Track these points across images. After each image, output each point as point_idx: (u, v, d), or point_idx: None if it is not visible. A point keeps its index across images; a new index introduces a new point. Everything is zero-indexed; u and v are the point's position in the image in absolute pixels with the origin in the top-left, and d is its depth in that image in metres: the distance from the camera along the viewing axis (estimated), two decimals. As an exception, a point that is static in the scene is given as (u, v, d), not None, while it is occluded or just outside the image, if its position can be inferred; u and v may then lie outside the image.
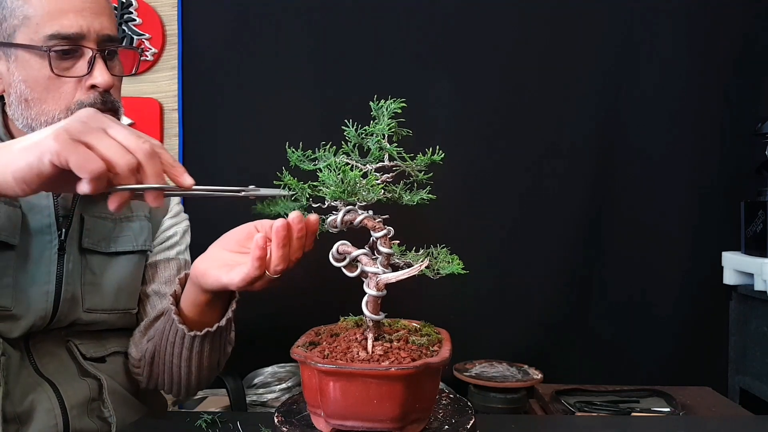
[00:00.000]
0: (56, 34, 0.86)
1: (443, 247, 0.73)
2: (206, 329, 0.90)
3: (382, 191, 0.71)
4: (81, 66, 0.89)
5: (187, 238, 1.16)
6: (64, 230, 0.95)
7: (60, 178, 0.63)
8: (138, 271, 1.06)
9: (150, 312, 1.08)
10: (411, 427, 0.66)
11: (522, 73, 1.96)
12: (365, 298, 0.70)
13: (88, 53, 0.89)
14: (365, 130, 0.73)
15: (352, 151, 0.74)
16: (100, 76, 0.89)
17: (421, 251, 0.73)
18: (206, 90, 1.96)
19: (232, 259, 0.83)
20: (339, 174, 0.68)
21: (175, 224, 1.14)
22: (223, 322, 0.91)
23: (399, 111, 0.71)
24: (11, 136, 0.94)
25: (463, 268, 0.69)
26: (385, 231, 0.71)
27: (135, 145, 0.64)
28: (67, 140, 0.61)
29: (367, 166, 0.72)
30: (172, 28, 1.96)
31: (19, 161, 0.62)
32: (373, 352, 0.67)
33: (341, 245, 0.72)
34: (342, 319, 0.80)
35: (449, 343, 0.72)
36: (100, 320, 1.00)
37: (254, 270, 0.75)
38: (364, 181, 0.69)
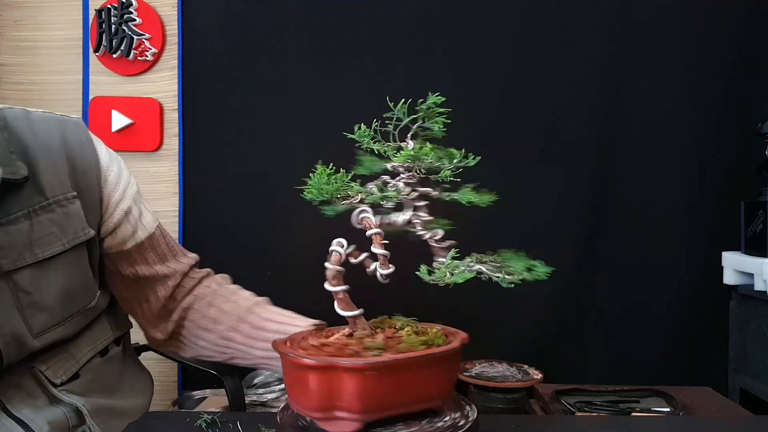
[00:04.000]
0: None
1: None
2: None
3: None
4: None
5: (139, 192, 0.98)
6: None
7: None
8: (81, 266, 0.88)
9: (152, 296, 0.99)
10: (337, 422, 0.67)
11: (520, 73, 1.96)
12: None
13: None
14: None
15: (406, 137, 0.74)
16: None
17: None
18: (206, 90, 1.96)
19: None
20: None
21: (123, 196, 0.94)
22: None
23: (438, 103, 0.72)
24: None
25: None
26: (376, 230, 0.71)
27: None
28: None
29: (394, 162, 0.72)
30: (172, 28, 1.96)
31: None
32: (374, 338, 0.71)
33: (338, 243, 0.73)
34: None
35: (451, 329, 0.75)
36: (57, 338, 0.85)
37: None
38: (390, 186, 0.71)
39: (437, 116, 0.73)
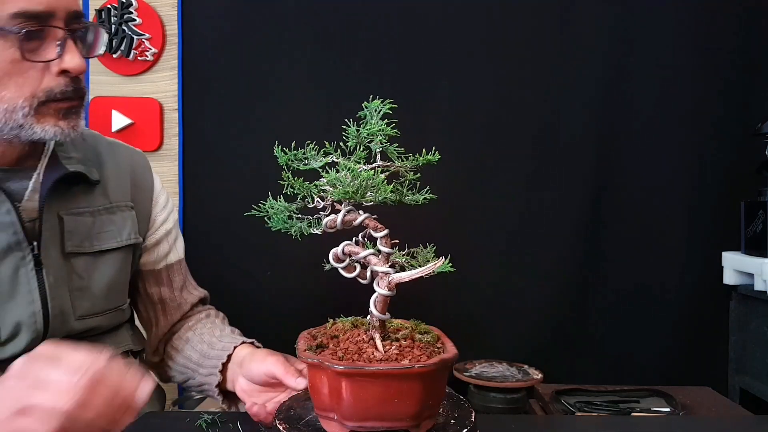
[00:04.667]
0: (22, 12, 0.76)
1: (433, 247, 0.73)
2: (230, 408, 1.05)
3: (390, 191, 0.70)
4: (50, 48, 0.79)
5: (178, 221, 1.17)
6: (35, 243, 0.88)
7: None
8: (126, 267, 1.02)
9: (162, 320, 1.10)
10: (424, 423, 0.67)
11: (520, 73, 1.96)
12: (374, 297, 0.70)
13: (58, 34, 0.79)
14: (362, 129, 0.73)
15: (351, 152, 0.73)
16: (73, 60, 0.80)
17: (428, 249, 0.73)
18: (206, 90, 1.96)
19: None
20: (350, 174, 0.68)
21: (167, 218, 1.11)
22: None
23: (389, 112, 0.71)
24: None
25: (451, 266, 0.69)
26: (386, 231, 0.71)
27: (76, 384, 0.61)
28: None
29: (361, 165, 0.72)
30: (172, 28, 1.96)
31: None
32: (387, 351, 0.67)
33: (347, 246, 0.72)
34: (330, 321, 0.79)
35: (448, 339, 0.73)
36: (93, 325, 0.96)
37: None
38: (371, 182, 0.69)
39: (379, 130, 0.71)
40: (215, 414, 0.96)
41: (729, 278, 1.85)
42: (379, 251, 0.71)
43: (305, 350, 0.70)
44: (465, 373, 1.77)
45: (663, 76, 1.95)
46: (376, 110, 0.71)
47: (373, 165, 0.72)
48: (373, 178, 0.68)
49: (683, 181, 1.96)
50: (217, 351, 1.03)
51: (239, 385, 0.98)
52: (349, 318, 0.78)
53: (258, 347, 1.03)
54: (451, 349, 0.69)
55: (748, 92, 1.95)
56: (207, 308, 1.17)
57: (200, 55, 1.96)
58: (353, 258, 0.72)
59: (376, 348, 0.68)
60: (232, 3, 1.94)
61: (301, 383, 0.85)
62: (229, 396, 1.05)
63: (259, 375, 0.93)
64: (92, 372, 0.63)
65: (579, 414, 1.52)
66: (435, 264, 0.68)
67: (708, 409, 1.54)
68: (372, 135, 0.72)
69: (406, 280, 0.68)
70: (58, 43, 0.79)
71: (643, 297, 1.97)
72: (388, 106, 0.72)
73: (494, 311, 1.97)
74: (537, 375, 1.77)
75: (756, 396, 1.75)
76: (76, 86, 0.84)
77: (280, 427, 0.69)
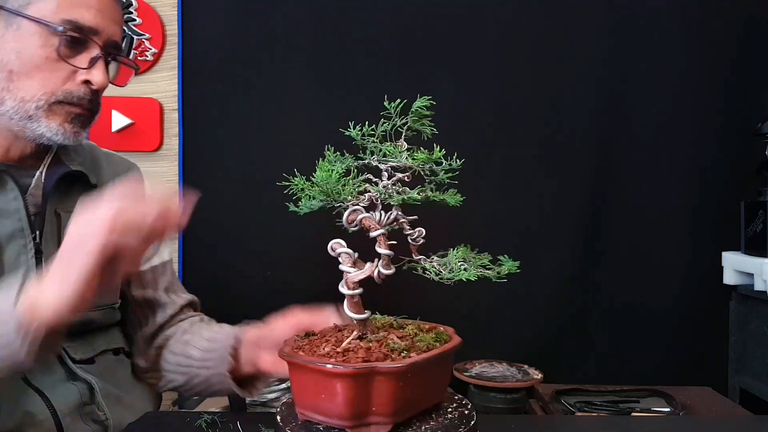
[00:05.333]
0: (74, 21, 0.85)
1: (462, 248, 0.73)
2: (257, 395, 1.01)
3: (365, 187, 0.71)
4: (83, 59, 0.88)
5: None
6: (38, 232, 0.91)
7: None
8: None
9: (150, 320, 1.09)
10: (369, 428, 0.65)
11: (520, 73, 1.96)
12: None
13: (94, 51, 0.88)
14: (374, 129, 0.73)
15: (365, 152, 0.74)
16: (99, 75, 0.88)
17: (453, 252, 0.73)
18: (206, 90, 1.96)
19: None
20: (327, 173, 0.69)
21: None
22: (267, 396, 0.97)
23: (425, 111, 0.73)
24: None
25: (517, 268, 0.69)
26: (381, 231, 0.71)
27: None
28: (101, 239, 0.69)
29: (381, 164, 0.72)
30: (172, 28, 1.96)
31: (70, 293, 0.69)
32: (341, 347, 0.68)
33: (334, 243, 0.72)
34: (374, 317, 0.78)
35: (428, 353, 0.68)
36: (86, 320, 0.97)
37: None
38: (343, 181, 0.70)
39: (426, 119, 0.73)
40: (215, 414, 0.96)
41: (729, 278, 1.85)
42: (348, 252, 0.71)
43: (295, 335, 0.75)
44: (465, 373, 1.77)
45: (663, 77, 1.95)
46: (424, 107, 0.72)
47: (393, 164, 0.73)
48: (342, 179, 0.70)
49: (683, 181, 1.96)
50: (223, 339, 1.02)
51: (265, 360, 0.96)
52: (386, 316, 0.78)
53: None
54: (402, 361, 0.65)
55: (748, 93, 1.95)
56: (199, 314, 1.17)
57: (200, 55, 1.96)
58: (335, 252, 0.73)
59: (338, 344, 0.69)
60: (232, 3, 1.94)
61: (332, 316, 0.85)
62: (245, 382, 1.03)
63: (287, 334, 0.90)
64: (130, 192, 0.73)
65: (579, 414, 1.52)
66: (374, 265, 0.70)
67: (708, 409, 1.54)
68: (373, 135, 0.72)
69: (356, 280, 0.69)
70: (92, 57, 0.88)
71: (643, 297, 1.98)
72: (429, 103, 0.73)
73: (494, 311, 1.97)
74: (537, 375, 1.77)
75: (756, 396, 1.75)
76: (93, 98, 0.90)
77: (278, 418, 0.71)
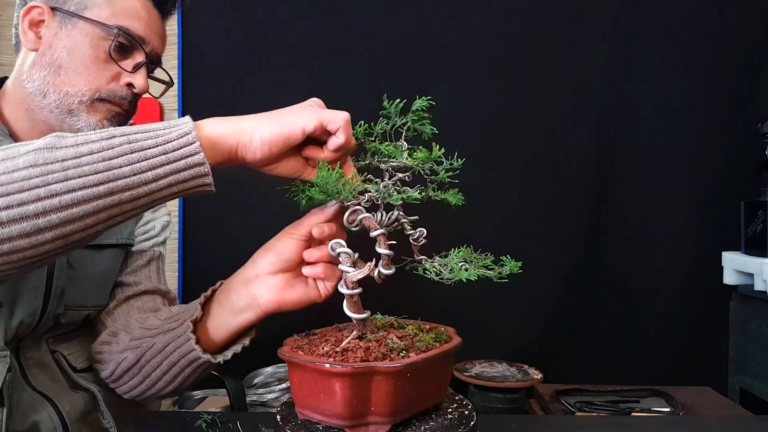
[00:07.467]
0: (126, 29, 0.91)
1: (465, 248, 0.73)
2: (220, 358, 0.84)
3: (365, 187, 0.72)
4: (129, 63, 0.92)
5: (166, 233, 1.15)
6: None
7: (296, 151, 0.73)
8: (117, 266, 1.03)
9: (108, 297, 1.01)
10: (368, 428, 0.65)
11: (521, 71, 1.96)
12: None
13: (139, 57, 0.94)
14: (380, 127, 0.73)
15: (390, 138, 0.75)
16: (141, 80, 0.93)
17: (456, 251, 0.73)
18: (206, 90, 1.96)
19: (285, 281, 0.80)
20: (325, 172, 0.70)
21: (156, 218, 1.13)
22: (238, 349, 0.84)
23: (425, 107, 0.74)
24: None
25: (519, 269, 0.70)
26: (381, 231, 0.71)
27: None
28: (317, 110, 0.75)
29: (382, 165, 0.73)
30: (172, 28, 1.96)
31: (271, 127, 0.70)
32: (335, 348, 0.68)
33: (334, 243, 0.73)
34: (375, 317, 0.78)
35: (424, 354, 0.67)
36: (78, 319, 0.97)
37: (316, 296, 0.79)
38: (343, 180, 0.70)
39: (425, 120, 0.73)
40: (215, 414, 0.97)
41: (729, 278, 1.85)
42: (347, 252, 0.71)
43: (296, 334, 0.75)
44: (465, 373, 1.77)
45: (664, 77, 1.95)
46: (423, 108, 0.74)
47: (394, 164, 0.73)
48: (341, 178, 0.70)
49: (683, 181, 1.96)
50: (193, 303, 0.90)
51: (267, 285, 0.82)
52: (387, 316, 0.79)
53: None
54: (401, 361, 0.65)
55: (749, 93, 1.95)
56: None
57: (200, 55, 1.96)
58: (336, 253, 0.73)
59: (337, 344, 0.69)
60: (231, 4, 1.94)
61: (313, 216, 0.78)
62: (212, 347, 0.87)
63: (273, 264, 0.83)
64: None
65: (579, 414, 1.52)
66: (373, 265, 0.70)
67: (708, 409, 1.54)
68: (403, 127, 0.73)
69: (355, 279, 0.69)
70: (137, 63, 0.93)
71: (643, 297, 1.97)
72: (428, 104, 0.73)
73: (494, 311, 1.97)
74: (537, 375, 1.77)
75: (756, 396, 1.75)
76: (133, 100, 0.94)
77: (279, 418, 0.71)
